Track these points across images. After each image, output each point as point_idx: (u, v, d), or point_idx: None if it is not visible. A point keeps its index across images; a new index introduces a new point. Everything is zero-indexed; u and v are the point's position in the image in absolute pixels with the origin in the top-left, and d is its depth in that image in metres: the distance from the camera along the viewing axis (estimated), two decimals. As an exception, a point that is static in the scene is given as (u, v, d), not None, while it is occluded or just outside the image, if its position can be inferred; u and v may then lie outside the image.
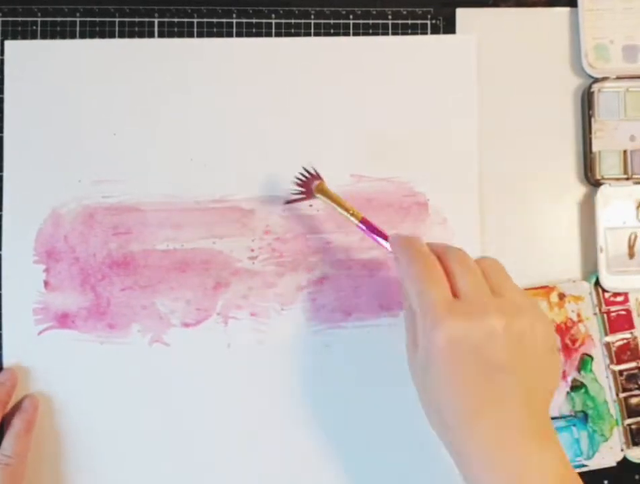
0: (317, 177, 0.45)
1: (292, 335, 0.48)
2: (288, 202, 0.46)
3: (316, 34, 0.49)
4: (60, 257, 0.48)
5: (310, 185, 0.45)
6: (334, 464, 0.47)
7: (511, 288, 0.37)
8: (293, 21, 0.49)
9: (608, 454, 0.47)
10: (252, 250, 0.48)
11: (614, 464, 0.47)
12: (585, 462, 0.47)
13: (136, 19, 0.49)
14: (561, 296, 0.47)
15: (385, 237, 0.42)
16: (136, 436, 0.47)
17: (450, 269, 0.37)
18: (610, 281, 0.47)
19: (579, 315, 0.47)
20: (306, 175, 0.45)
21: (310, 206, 0.48)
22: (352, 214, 0.43)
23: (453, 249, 0.38)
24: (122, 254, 0.48)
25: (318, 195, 0.44)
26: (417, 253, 0.38)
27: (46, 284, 0.47)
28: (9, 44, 0.48)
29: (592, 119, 0.48)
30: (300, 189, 0.45)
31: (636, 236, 0.47)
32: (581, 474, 0.45)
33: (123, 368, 0.47)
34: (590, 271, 0.48)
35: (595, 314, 0.47)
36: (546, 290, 0.47)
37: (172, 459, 0.47)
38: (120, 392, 0.47)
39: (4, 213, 0.48)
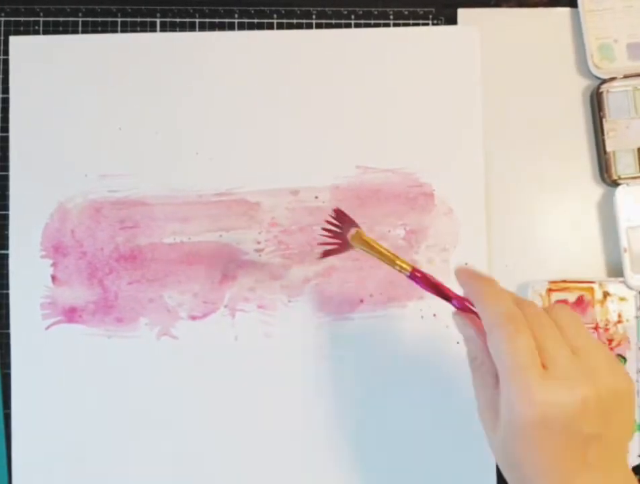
0: (351, 222, 0.41)
1: (299, 327, 0.48)
2: (324, 255, 0.42)
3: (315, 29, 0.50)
4: (67, 252, 0.48)
5: (344, 233, 0.40)
6: (342, 455, 0.47)
7: (590, 345, 0.34)
8: (295, 21, 0.50)
9: None
10: (258, 242, 0.48)
11: None
12: None
13: (138, 19, 0.49)
14: (605, 295, 0.47)
15: (442, 288, 0.38)
16: (144, 428, 0.47)
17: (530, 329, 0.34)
18: (636, 280, 0.47)
19: (619, 316, 0.47)
20: (337, 222, 0.41)
21: (316, 197, 0.48)
22: (400, 266, 0.38)
23: (526, 302, 0.36)
24: (129, 248, 0.48)
25: (356, 245, 0.40)
26: (505, 311, 0.34)
27: (53, 278, 0.47)
28: (13, 40, 0.48)
29: (603, 120, 0.48)
30: (334, 240, 0.41)
31: None
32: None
33: (131, 361, 0.47)
34: (615, 271, 0.48)
35: (636, 317, 0.47)
36: (591, 285, 0.47)
37: (179, 451, 0.47)
38: (128, 385, 0.47)
39: (11, 208, 0.48)
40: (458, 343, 0.48)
